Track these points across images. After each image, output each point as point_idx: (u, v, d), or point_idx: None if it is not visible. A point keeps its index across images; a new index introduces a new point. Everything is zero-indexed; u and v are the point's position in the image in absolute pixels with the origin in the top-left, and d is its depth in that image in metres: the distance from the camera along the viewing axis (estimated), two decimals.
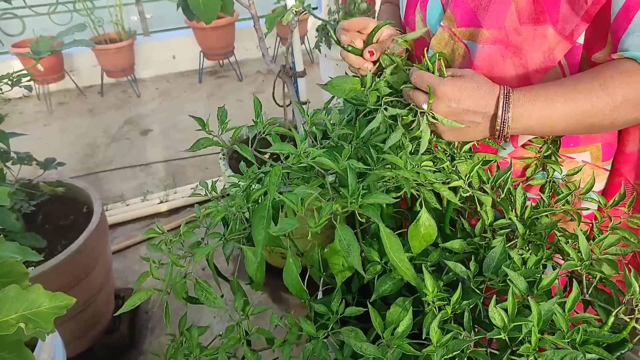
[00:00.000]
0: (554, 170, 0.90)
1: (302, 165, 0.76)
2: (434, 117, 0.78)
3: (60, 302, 0.80)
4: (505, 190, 0.81)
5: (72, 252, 1.60)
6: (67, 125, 3.97)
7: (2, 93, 1.57)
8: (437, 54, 0.87)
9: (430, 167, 0.76)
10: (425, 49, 0.88)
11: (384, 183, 0.73)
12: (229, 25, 4.44)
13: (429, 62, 0.81)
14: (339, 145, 0.84)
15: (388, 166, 0.75)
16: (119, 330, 1.97)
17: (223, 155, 2.16)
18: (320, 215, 0.66)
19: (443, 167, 0.83)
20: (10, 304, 0.76)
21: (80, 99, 4.42)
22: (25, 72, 1.60)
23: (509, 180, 0.83)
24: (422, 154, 0.78)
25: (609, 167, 0.99)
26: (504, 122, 0.77)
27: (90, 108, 4.25)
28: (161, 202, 2.83)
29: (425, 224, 0.70)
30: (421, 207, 0.72)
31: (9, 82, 1.56)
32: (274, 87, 2.25)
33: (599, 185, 1.00)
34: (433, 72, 0.80)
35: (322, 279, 1.12)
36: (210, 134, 0.89)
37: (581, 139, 0.95)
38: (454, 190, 0.81)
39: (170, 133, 3.73)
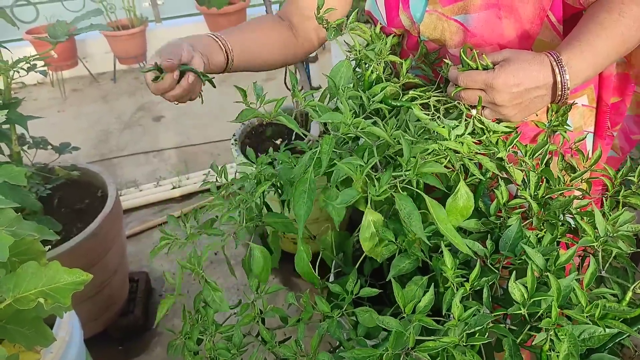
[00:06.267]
0: (564, 137, 0.91)
1: (349, 135, 0.74)
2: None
3: (78, 278, 0.81)
4: (544, 162, 0.82)
5: (87, 235, 1.61)
6: (80, 112, 3.99)
7: (14, 79, 1.58)
8: (466, 47, 0.88)
9: (472, 139, 0.76)
10: (461, 48, 0.89)
11: (426, 157, 0.73)
12: (240, 11, 4.41)
13: (467, 60, 0.82)
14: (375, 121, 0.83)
15: (428, 139, 0.75)
16: (133, 312, 1.99)
17: (235, 141, 2.16)
18: (380, 183, 0.66)
19: (481, 139, 0.83)
20: (30, 280, 0.78)
21: (94, 86, 4.44)
22: (40, 56, 1.61)
23: (547, 151, 0.84)
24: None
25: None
26: (564, 85, 0.79)
27: (103, 95, 4.27)
28: (174, 187, 2.85)
29: (464, 197, 0.70)
30: (457, 182, 0.72)
31: (26, 67, 1.56)
32: (285, 73, 2.24)
33: (591, 122, 1.03)
34: (477, 68, 0.81)
35: (334, 261, 1.13)
36: (250, 106, 0.90)
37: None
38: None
39: (182, 119, 3.73)
